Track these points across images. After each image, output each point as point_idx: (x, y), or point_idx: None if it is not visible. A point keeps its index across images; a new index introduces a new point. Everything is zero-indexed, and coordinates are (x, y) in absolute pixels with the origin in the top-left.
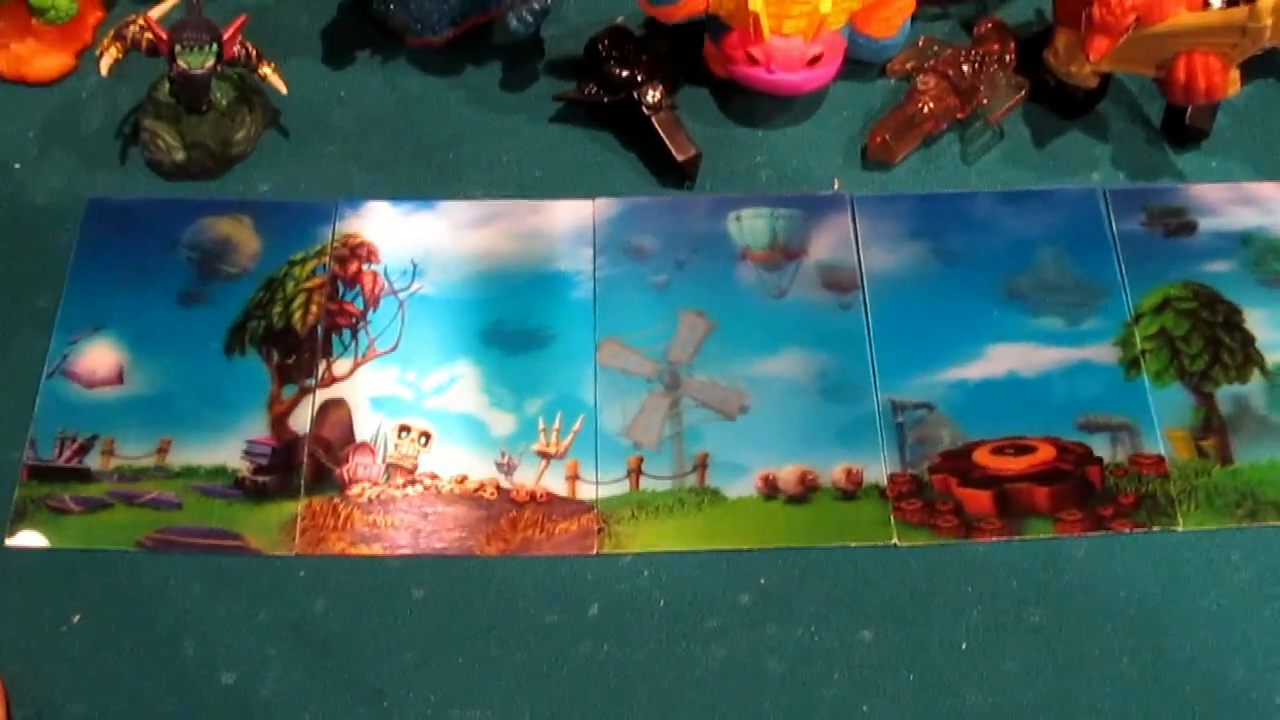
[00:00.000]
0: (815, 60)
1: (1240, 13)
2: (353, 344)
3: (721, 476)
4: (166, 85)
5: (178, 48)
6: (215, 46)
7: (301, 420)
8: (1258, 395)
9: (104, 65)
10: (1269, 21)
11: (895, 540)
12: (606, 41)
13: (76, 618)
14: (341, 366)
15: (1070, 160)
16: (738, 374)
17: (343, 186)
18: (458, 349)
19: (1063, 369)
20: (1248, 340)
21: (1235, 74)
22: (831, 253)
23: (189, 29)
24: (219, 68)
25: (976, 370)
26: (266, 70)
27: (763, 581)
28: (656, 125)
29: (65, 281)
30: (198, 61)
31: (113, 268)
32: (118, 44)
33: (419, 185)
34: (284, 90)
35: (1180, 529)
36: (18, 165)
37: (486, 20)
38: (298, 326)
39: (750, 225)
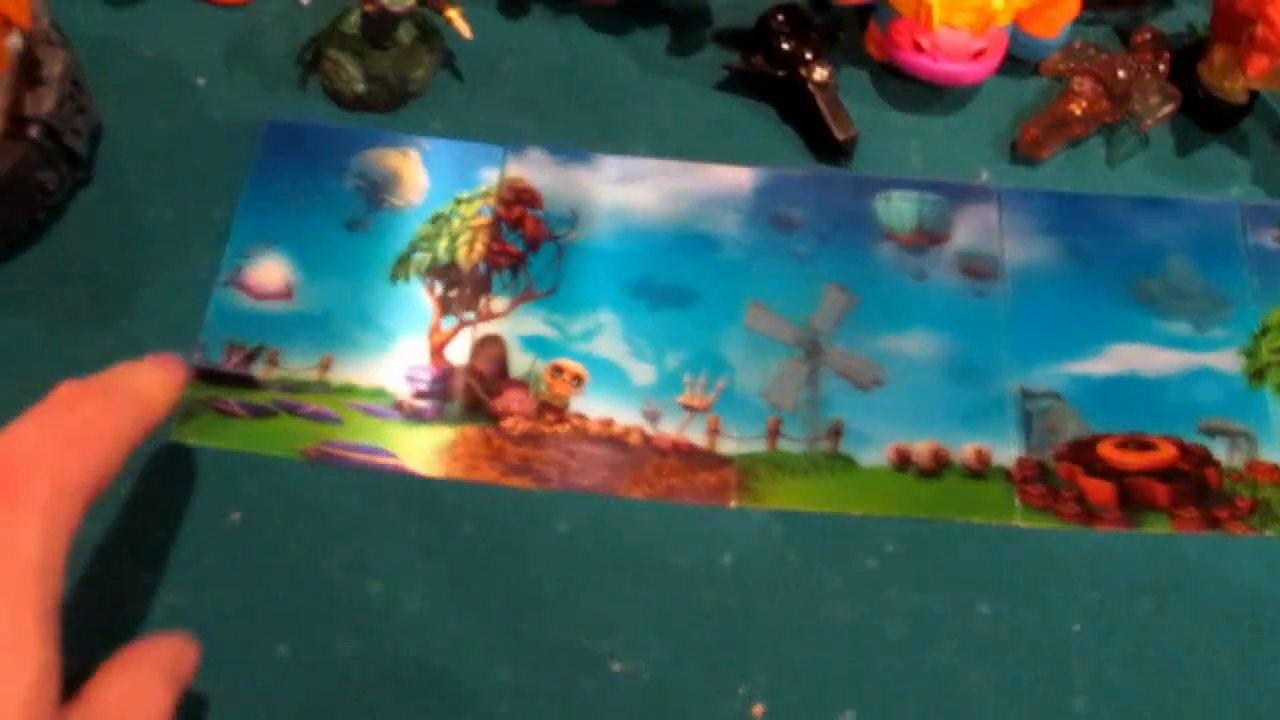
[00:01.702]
0: (979, 53)
1: None
2: (512, 283)
3: (854, 444)
4: (353, 18)
5: None
6: None
7: (458, 351)
8: None
9: None
10: None
11: (1018, 521)
12: (780, 17)
13: (236, 515)
14: (499, 304)
15: (1210, 172)
16: (873, 348)
17: (509, 132)
18: (605, 298)
19: (1185, 373)
20: None
21: None
22: (973, 240)
23: None
24: (416, 6)
25: (1102, 366)
26: (453, 13)
27: (888, 548)
28: (820, 103)
29: (241, 196)
30: None
31: (285, 188)
32: None
33: (583, 138)
34: (469, 35)
35: None
36: (201, 81)
37: None
38: (461, 262)
39: (898, 207)
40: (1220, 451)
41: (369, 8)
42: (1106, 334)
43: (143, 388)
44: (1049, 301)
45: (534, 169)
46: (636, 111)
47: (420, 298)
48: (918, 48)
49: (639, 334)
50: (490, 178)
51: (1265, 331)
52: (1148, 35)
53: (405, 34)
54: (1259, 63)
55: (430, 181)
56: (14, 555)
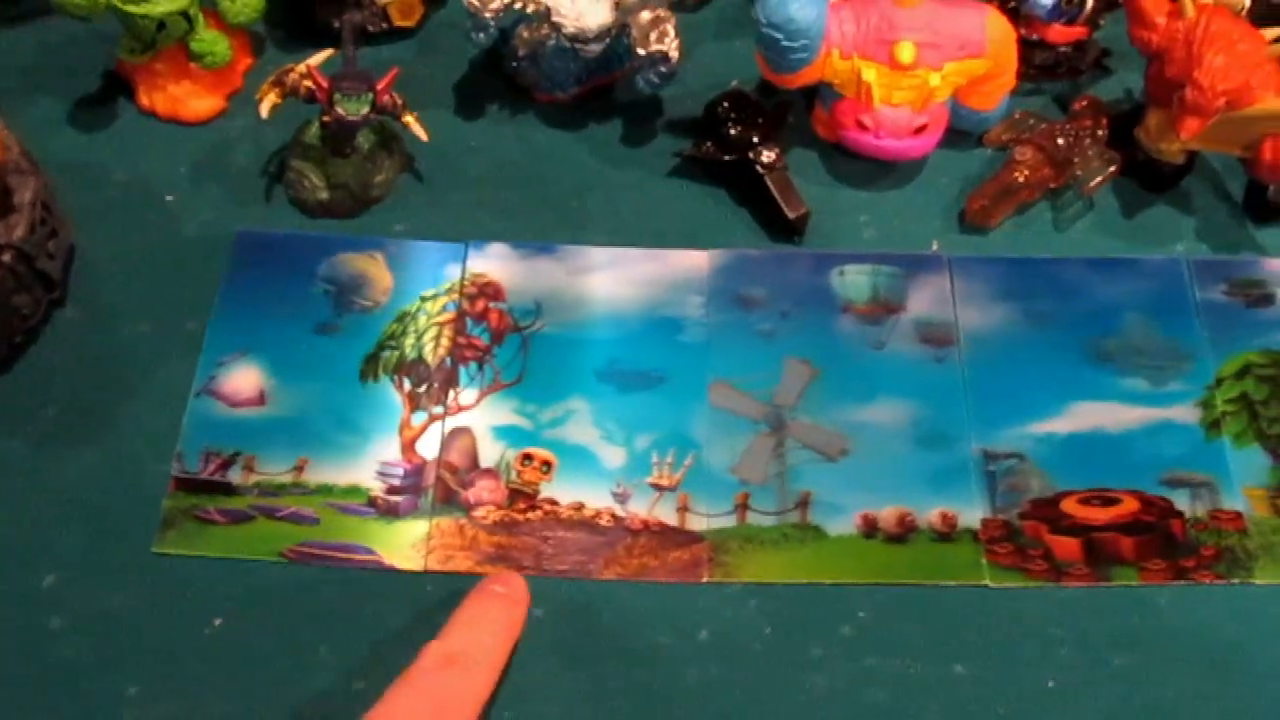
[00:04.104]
0: (921, 129)
1: None
2: (479, 376)
3: (823, 514)
4: (313, 129)
5: (337, 95)
6: (370, 95)
7: (430, 445)
8: None
9: (264, 109)
10: None
11: (987, 581)
12: (726, 104)
13: (218, 621)
14: (468, 396)
15: (1156, 231)
16: (838, 419)
17: (472, 230)
18: (574, 385)
19: (1146, 428)
20: None
21: None
22: (928, 309)
23: (348, 79)
24: (372, 115)
25: (1063, 425)
26: (410, 119)
27: (862, 615)
28: (770, 184)
29: (213, 307)
30: (355, 109)
31: (257, 296)
32: (277, 89)
33: (544, 231)
34: (426, 138)
35: (1258, 582)
36: (170, 198)
37: (610, 81)
38: (428, 358)
39: (853, 280)
40: (1184, 503)
41: (327, 119)
42: (1067, 393)
43: (493, 647)
44: (1008, 364)
45: (497, 263)
46: (595, 202)
47: (390, 395)
48: (861, 126)
49: (609, 418)
50: (454, 274)
51: (1219, 383)
52: (1085, 103)
53: (365, 141)
54: (1191, 125)
55: (396, 281)
56: None
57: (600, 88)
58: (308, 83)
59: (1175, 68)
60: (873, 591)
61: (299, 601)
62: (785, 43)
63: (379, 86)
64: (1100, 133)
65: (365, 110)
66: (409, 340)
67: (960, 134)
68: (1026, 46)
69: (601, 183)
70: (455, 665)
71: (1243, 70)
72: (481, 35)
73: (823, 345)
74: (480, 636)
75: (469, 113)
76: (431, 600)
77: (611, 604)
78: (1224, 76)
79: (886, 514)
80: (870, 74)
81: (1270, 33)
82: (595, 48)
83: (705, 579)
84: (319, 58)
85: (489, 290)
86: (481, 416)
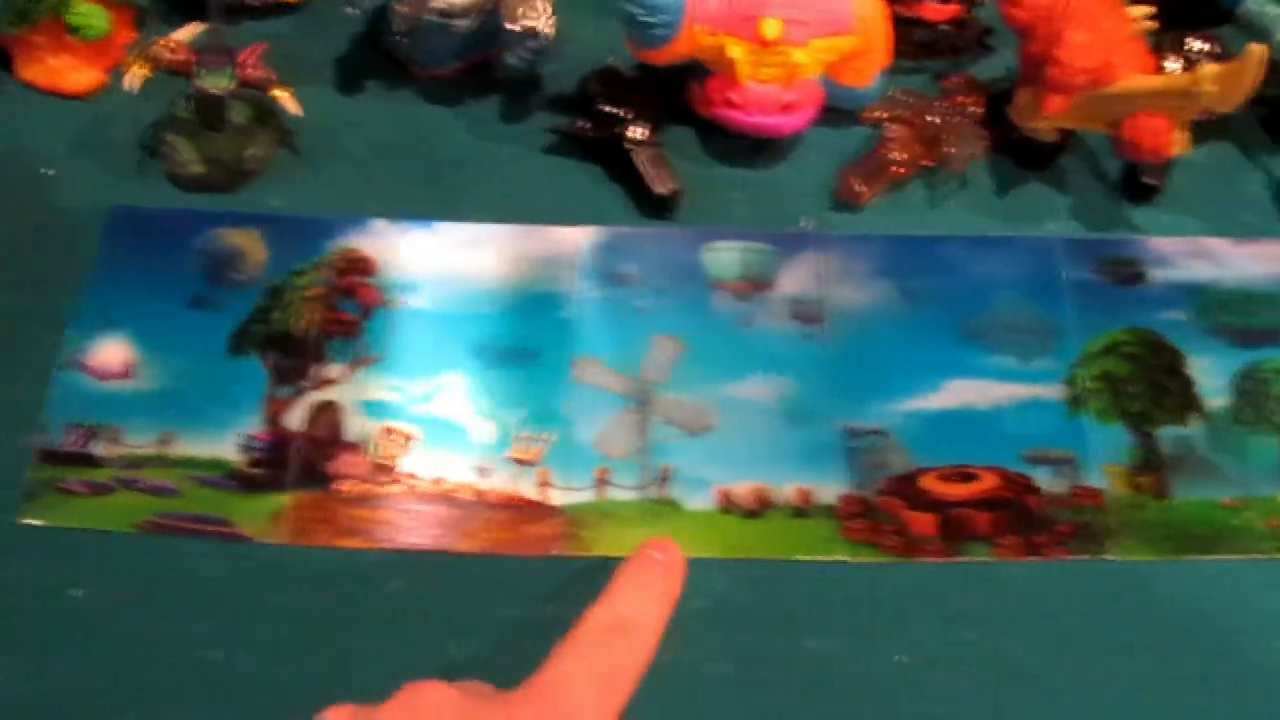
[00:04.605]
0: (789, 106)
1: (1184, 78)
2: (346, 350)
3: (682, 489)
4: (185, 102)
5: (199, 69)
6: (232, 69)
7: (295, 419)
8: (1196, 437)
9: (130, 82)
10: (1209, 88)
11: (841, 556)
12: (598, 80)
13: (77, 592)
14: (334, 371)
15: (1030, 210)
16: (705, 395)
17: (350, 205)
18: (446, 361)
19: (1013, 405)
20: (1187, 385)
21: (1181, 134)
22: (799, 287)
23: (210, 52)
24: (235, 89)
25: (933, 402)
26: (279, 93)
27: (718, 588)
28: (639, 160)
29: (86, 281)
30: (217, 83)
31: (131, 271)
32: (145, 63)
33: (422, 207)
34: (297, 112)
35: (1112, 558)
36: (48, 171)
37: (491, 58)
38: (296, 332)
39: (724, 258)
40: (1045, 479)
41: (192, 92)
42: (938, 370)
43: (657, 616)
44: (879, 342)
45: (374, 239)
46: (474, 179)
47: (257, 369)
48: (730, 103)
49: (481, 393)
50: (328, 249)
51: (1084, 361)
52: (958, 80)
53: (240, 115)
54: (1055, 102)
55: (271, 256)
56: None
57: (481, 64)
58: (173, 55)
59: (1040, 45)
60: (730, 566)
61: (157, 572)
62: (643, 18)
63: (240, 60)
64: (973, 110)
65: (227, 84)
66: (277, 315)
67: (837, 112)
68: (904, 24)
69: (481, 159)
70: (624, 633)
71: (1105, 48)
72: (354, 10)
73: (693, 322)
74: (646, 603)
75: (349, 88)
76: (287, 573)
77: (465, 578)
78: (1085, 54)
79: (743, 489)
80: (735, 51)
81: (1136, 11)
82: (463, 23)
83: (559, 553)
84: (185, 31)
85: (360, 265)
86: (349, 391)
